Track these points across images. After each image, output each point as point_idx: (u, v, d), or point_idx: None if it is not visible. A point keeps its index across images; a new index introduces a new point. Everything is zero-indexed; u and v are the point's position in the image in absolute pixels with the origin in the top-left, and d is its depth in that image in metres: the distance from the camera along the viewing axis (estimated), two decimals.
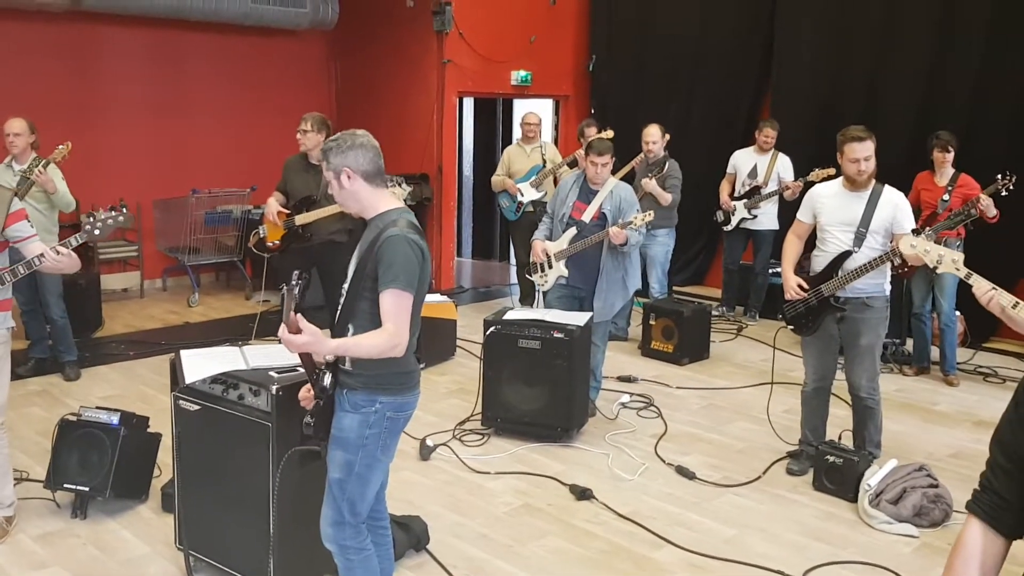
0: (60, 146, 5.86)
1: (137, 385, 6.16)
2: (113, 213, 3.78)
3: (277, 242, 6.28)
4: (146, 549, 3.91)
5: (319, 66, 10.38)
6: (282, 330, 2.69)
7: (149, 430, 4.43)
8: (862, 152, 4.36)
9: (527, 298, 8.12)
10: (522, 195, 7.89)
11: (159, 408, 4.80)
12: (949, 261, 3.61)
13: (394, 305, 2.80)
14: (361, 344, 2.81)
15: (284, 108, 9.21)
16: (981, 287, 3.51)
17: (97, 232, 3.77)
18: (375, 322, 2.82)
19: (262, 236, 6.35)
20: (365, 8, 9.72)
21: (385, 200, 2.95)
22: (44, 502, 4.28)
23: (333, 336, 2.91)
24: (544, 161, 7.94)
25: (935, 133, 6.39)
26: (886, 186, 4.46)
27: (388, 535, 3.23)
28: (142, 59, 9.04)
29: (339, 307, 2.94)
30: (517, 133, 11.30)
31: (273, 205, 6.18)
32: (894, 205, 4.40)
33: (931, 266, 3.72)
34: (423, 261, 2.87)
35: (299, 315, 2.68)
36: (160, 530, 4.04)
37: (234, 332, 7.40)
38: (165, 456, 4.46)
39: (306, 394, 2.97)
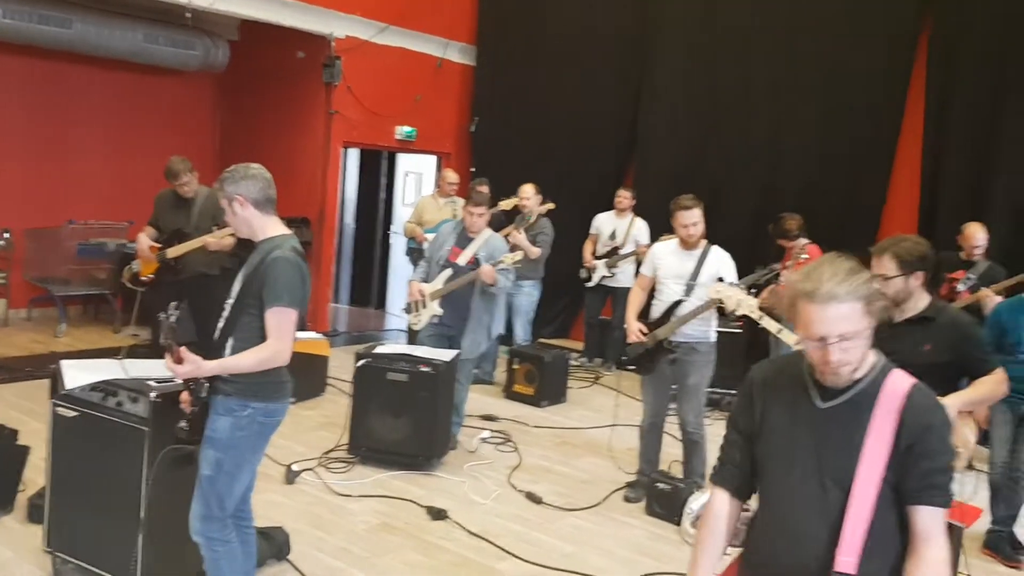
0: None
1: (3, 408, 6.14)
2: None
3: (151, 276, 6.46)
4: (10, 554, 4.01)
5: (205, 107, 10.59)
6: (167, 361, 2.99)
7: (17, 443, 4.53)
8: (690, 219, 4.99)
9: None
10: (426, 244, 8.26)
11: (25, 430, 4.87)
12: (746, 305, 4.23)
13: (279, 322, 3.13)
14: (240, 362, 3.13)
15: (167, 146, 9.25)
16: (771, 328, 4.14)
17: None
18: (257, 336, 3.14)
19: (136, 271, 6.55)
20: (255, 55, 10.02)
21: (273, 226, 3.29)
22: None
23: (212, 351, 3.21)
24: (455, 215, 8.29)
25: (778, 216, 7.12)
26: (714, 246, 5.11)
27: (252, 534, 3.49)
28: (24, 88, 9.03)
29: (222, 322, 3.24)
30: (399, 185, 11.84)
31: (144, 240, 6.40)
32: (719, 261, 5.05)
33: (729, 309, 4.34)
34: (304, 282, 3.22)
35: (183, 347, 2.98)
36: (25, 538, 4.15)
37: None
38: (30, 472, 4.59)
39: (186, 397, 3.25)
